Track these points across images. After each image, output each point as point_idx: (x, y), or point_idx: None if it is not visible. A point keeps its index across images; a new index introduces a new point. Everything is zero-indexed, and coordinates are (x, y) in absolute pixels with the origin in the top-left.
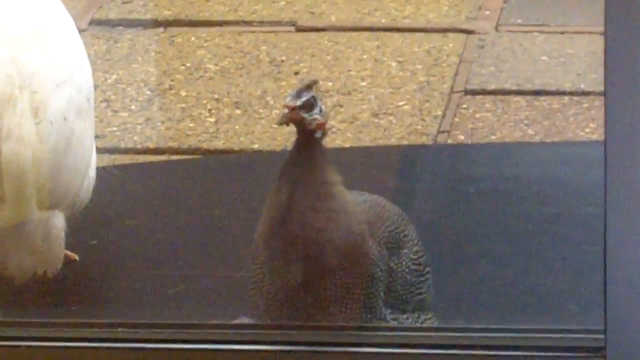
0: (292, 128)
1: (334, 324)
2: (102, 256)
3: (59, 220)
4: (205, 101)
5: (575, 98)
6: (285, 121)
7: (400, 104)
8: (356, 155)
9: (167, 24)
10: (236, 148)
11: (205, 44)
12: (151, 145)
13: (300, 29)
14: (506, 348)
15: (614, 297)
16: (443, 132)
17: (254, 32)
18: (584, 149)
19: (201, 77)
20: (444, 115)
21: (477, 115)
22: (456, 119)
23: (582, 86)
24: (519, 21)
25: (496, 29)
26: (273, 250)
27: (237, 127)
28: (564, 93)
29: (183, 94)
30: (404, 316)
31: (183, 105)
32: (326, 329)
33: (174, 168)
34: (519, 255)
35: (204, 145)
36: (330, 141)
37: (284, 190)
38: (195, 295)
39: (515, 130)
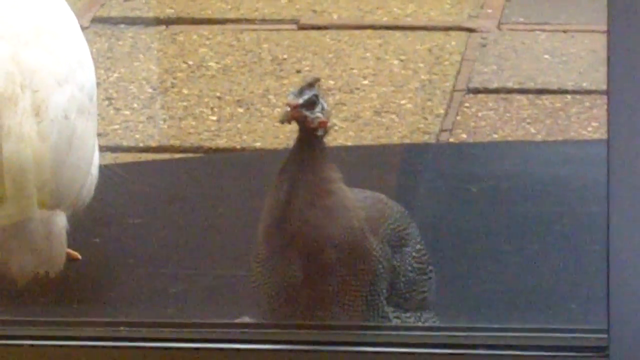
0: (295, 126)
1: (335, 321)
2: (104, 255)
3: (60, 220)
4: (207, 99)
5: (577, 96)
6: (287, 119)
7: (403, 102)
8: (358, 154)
9: (169, 21)
10: (238, 146)
11: (207, 42)
12: (153, 144)
13: (303, 27)
14: (509, 347)
15: (616, 296)
16: (445, 130)
17: (256, 30)
18: (586, 148)
19: (203, 75)
20: (446, 114)
21: (480, 114)
22: (458, 118)
23: (585, 85)
24: (521, 19)
25: (498, 27)
26: (273, 247)
27: (239, 125)
28: (566, 91)
29: (185, 92)
30: (407, 315)
31: (185, 103)
32: (329, 328)
33: (176, 166)
34: (522, 254)
35: (206, 144)
36: (332, 140)
37: (283, 188)
38: (197, 294)
39: (518, 129)
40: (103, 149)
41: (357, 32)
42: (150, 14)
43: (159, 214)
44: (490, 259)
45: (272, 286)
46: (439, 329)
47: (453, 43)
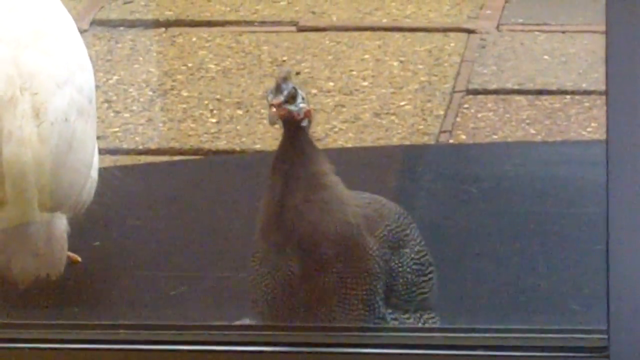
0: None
1: (332, 320)
2: (105, 257)
3: (61, 222)
4: (206, 101)
5: (576, 97)
6: (275, 120)
7: (402, 103)
8: (358, 155)
9: (168, 24)
10: (238, 148)
11: (207, 44)
12: (153, 146)
13: (302, 29)
14: (509, 348)
15: (616, 296)
16: (445, 131)
17: (255, 32)
18: (585, 148)
19: (202, 77)
20: (445, 115)
21: (479, 115)
22: (458, 119)
23: (584, 85)
24: (520, 20)
25: (497, 28)
26: (270, 244)
27: (238, 127)
28: (565, 92)
29: (184, 94)
30: (406, 316)
31: (184, 105)
32: (328, 330)
33: (176, 169)
34: (522, 254)
35: (206, 146)
36: (332, 141)
37: (277, 185)
38: (197, 297)
39: (517, 129)
40: (103, 151)
41: (356, 33)
42: (150, 17)
43: (159, 217)
44: (490, 259)
45: (269, 283)
46: (439, 330)
47: (452, 44)
